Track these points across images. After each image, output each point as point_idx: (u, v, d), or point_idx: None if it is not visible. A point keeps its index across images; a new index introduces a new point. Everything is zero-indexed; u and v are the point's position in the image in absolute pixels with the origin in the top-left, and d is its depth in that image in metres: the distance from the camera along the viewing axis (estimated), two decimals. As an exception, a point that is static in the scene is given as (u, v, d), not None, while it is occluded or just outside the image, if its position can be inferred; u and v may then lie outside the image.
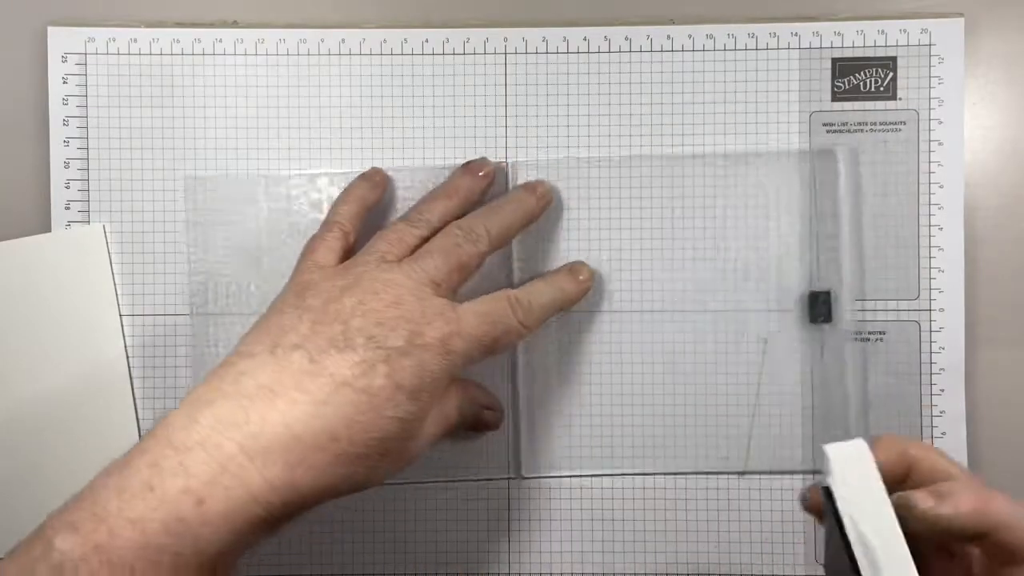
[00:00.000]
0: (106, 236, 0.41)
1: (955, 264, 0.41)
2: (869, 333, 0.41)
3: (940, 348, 0.41)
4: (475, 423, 0.40)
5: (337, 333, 0.32)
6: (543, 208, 0.40)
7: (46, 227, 0.41)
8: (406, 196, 0.41)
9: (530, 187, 0.40)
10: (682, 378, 0.41)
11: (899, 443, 0.30)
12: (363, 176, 0.40)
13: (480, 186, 0.40)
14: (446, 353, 0.33)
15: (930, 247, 0.41)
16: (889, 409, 0.41)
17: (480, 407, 0.40)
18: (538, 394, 0.42)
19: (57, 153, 0.41)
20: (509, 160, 0.41)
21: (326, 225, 0.38)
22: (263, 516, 0.30)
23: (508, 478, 0.42)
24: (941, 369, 0.41)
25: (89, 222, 0.41)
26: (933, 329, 0.41)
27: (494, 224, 0.37)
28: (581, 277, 0.40)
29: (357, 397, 0.31)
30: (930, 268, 0.41)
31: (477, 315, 0.35)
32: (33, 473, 0.41)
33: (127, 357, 0.41)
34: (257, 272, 0.41)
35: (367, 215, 0.39)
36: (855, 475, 0.28)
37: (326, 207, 0.41)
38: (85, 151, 0.41)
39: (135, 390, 0.41)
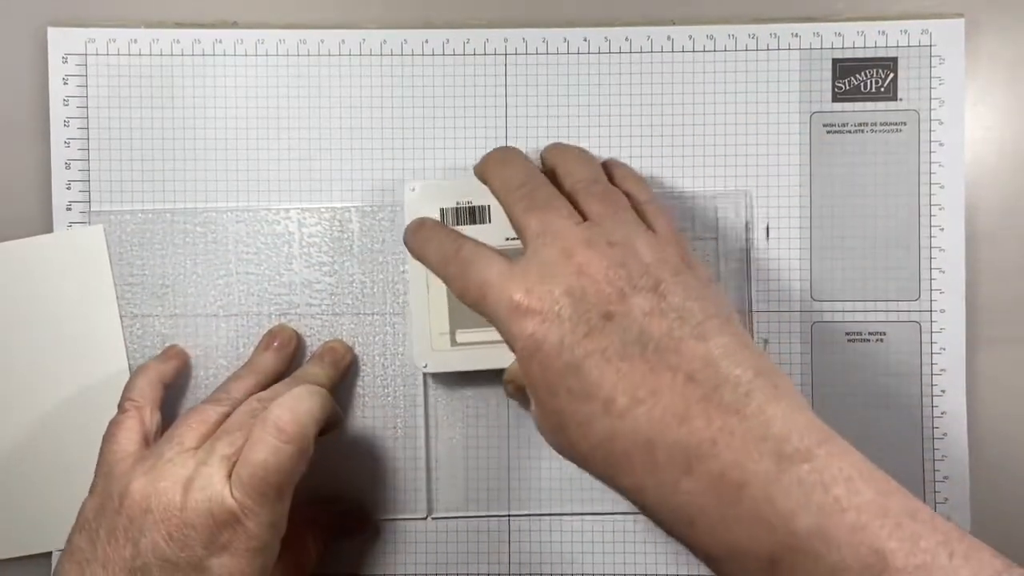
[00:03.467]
0: (106, 237, 0.41)
1: (956, 265, 0.41)
2: (869, 333, 0.41)
3: (940, 349, 0.41)
4: (342, 536, 0.41)
5: (128, 557, 0.31)
6: (346, 370, 0.40)
7: (47, 228, 0.41)
8: (313, 234, 0.41)
9: (329, 351, 0.40)
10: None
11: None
12: (159, 356, 0.40)
13: (285, 358, 0.40)
14: (249, 541, 0.32)
15: (931, 248, 0.41)
16: (889, 409, 0.41)
17: (340, 530, 0.40)
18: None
19: (58, 154, 0.41)
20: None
21: (120, 406, 0.38)
22: None
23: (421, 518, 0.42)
24: (942, 370, 0.41)
25: (90, 223, 0.41)
26: (934, 330, 0.41)
27: None
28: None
29: None
30: (931, 269, 0.41)
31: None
32: (33, 473, 0.41)
33: (127, 357, 0.41)
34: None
35: (164, 389, 0.39)
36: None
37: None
38: (86, 152, 0.41)
39: (136, 391, 0.41)
